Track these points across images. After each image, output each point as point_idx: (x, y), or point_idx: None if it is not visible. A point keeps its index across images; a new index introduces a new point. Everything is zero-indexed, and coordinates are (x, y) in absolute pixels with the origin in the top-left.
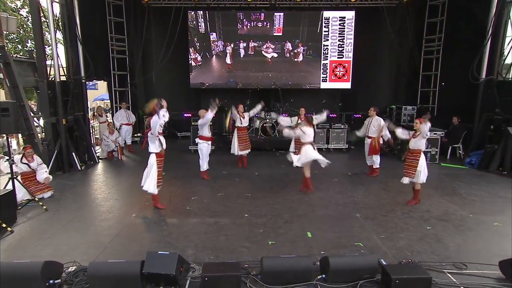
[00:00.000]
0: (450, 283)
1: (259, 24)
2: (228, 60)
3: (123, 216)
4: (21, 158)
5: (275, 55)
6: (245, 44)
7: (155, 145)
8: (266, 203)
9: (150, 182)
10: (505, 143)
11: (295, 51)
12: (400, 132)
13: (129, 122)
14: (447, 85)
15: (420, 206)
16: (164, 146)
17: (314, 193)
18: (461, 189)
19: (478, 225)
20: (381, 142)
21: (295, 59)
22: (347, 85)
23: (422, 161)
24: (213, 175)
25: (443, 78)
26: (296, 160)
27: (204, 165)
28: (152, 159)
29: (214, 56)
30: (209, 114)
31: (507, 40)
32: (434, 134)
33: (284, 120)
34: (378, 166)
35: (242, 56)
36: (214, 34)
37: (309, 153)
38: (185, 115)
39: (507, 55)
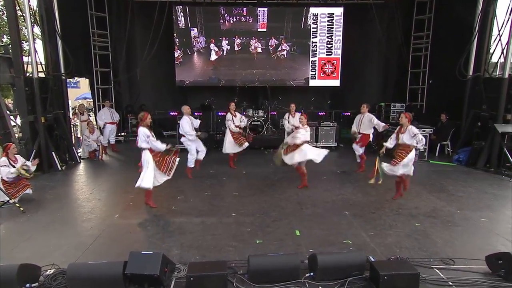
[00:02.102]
0: (438, 279)
1: (242, 19)
2: (212, 57)
3: (106, 217)
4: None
5: (260, 50)
6: (227, 41)
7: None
8: (254, 201)
9: (144, 176)
10: (491, 140)
11: (279, 48)
12: (390, 142)
13: (113, 120)
14: (435, 82)
15: (409, 203)
16: None
17: (302, 191)
18: (449, 186)
19: (465, 221)
20: (371, 138)
21: (280, 55)
22: (336, 82)
23: (411, 155)
24: (200, 174)
25: (431, 75)
26: (289, 158)
27: (191, 161)
28: (147, 155)
29: (195, 53)
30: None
31: (493, 37)
32: (423, 131)
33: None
34: (361, 153)
35: (225, 53)
36: (195, 29)
37: (307, 153)
38: (171, 113)
39: (493, 52)
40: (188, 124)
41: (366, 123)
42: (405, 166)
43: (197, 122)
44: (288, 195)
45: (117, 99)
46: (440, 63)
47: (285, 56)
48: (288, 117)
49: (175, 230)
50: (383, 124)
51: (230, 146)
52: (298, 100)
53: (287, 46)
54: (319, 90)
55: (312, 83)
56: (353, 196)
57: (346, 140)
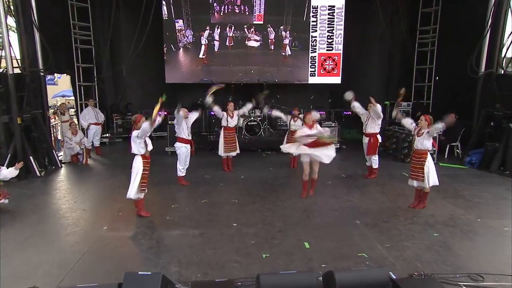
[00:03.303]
0: None
1: (236, 10)
2: (202, 54)
3: (93, 229)
4: None
5: (256, 45)
6: (218, 35)
7: (140, 146)
8: (255, 210)
9: (131, 186)
10: (506, 140)
11: (283, 42)
12: (407, 122)
13: (98, 121)
14: (442, 79)
15: (424, 210)
16: (150, 147)
17: (307, 198)
18: (464, 191)
19: (487, 230)
20: (379, 139)
21: (282, 52)
22: (337, 79)
23: (429, 162)
24: (194, 179)
25: (438, 72)
26: (287, 147)
27: (180, 170)
28: (138, 162)
29: (181, 49)
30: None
31: (507, 31)
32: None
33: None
34: (377, 166)
35: (217, 48)
36: (181, 21)
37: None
38: (160, 113)
39: (509, 47)
40: (183, 128)
41: (373, 114)
42: (427, 178)
43: (196, 114)
44: (292, 202)
45: (101, 97)
46: (448, 59)
47: (289, 53)
48: (290, 120)
49: (171, 243)
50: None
51: (220, 149)
52: (297, 99)
53: (289, 35)
54: (319, 88)
55: (312, 80)
56: (362, 203)
57: (349, 141)
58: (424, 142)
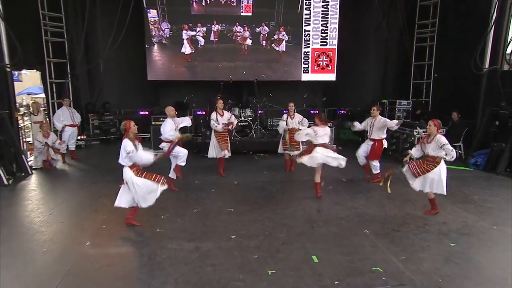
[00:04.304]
0: None
1: (221, 0)
2: (187, 50)
3: (74, 246)
4: None
5: (248, 41)
6: (201, 29)
7: (127, 159)
8: (254, 219)
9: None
10: None
11: (276, 37)
12: (415, 151)
13: (74, 122)
14: (442, 76)
15: (435, 217)
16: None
17: (309, 205)
18: (473, 195)
19: (506, 239)
20: (384, 144)
21: (277, 48)
22: (331, 76)
23: (441, 170)
24: (183, 185)
25: (437, 69)
26: (303, 160)
27: (171, 172)
28: (128, 173)
29: (156, 45)
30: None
31: None
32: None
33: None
34: (378, 171)
35: (202, 44)
36: (155, 12)
37: (317, 157)
38: (141, 112)
39: None
40: (170, 126)
41: (379, 126)
42: (431, 182)
43: (187, 121)
44: (293, 210)
45: (76, 95)
46: (448, 55)
47: (284, 49)
48: (287, 119)
49: (165, 260)
50: (396, 121)
51: (214, 150)
52: (289, 97)
53: (285, 36)
54: (312, 86)
55: (305, 77)
56: (368, 209)
57: (344, 142)
58: (436, 149)
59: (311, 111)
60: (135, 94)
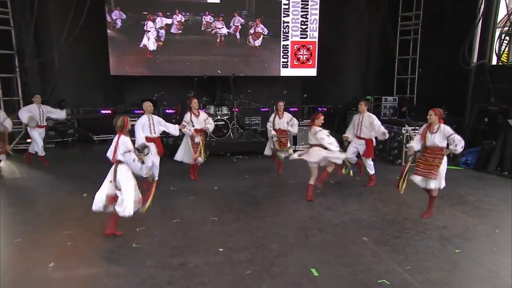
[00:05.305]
0: None
1: None
2: (151, 45)
3: (34, 269)
4: None
5: (222, 32)
6: (161, 18)
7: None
8: (241, 229)
9: (126, 199)
10: (504, 138)
11: (252, 31)
12: (416, 144)
13: (41, 123)
14: (427, 71)
15: (434, 221)
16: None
17: (299, 211)
18: (469, 196)
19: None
20: (374, 143)
21: (253, 42)
22: (312, 71)
23: (444, 163)
24: (158, 193)
25: (422, 63)
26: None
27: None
28: (124, 172)
29: (117, 36)
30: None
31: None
32: (416, 130)
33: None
34: (373, 172)
35: (163, 36)
36: None
37: (312, 156)
38: (103, 111)
39: (505, 36)
40: (142, 127)
41: (367, 125)
42: (440, 176)
43: (174, 131)
44: (282, 217)
45: (25, 92)
46: (433, 49)
47: (260, 44)
48: (274, 119)
49: (146, 281)
50: (384, 130)
51: (186, 154)
52: (267, 94)
53: (264, 29)
54: (291, 81)
55: (284, 72)
56: (363, 214)
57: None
58: (440, 139)
59: (290, 109)
60: (95, 90)
